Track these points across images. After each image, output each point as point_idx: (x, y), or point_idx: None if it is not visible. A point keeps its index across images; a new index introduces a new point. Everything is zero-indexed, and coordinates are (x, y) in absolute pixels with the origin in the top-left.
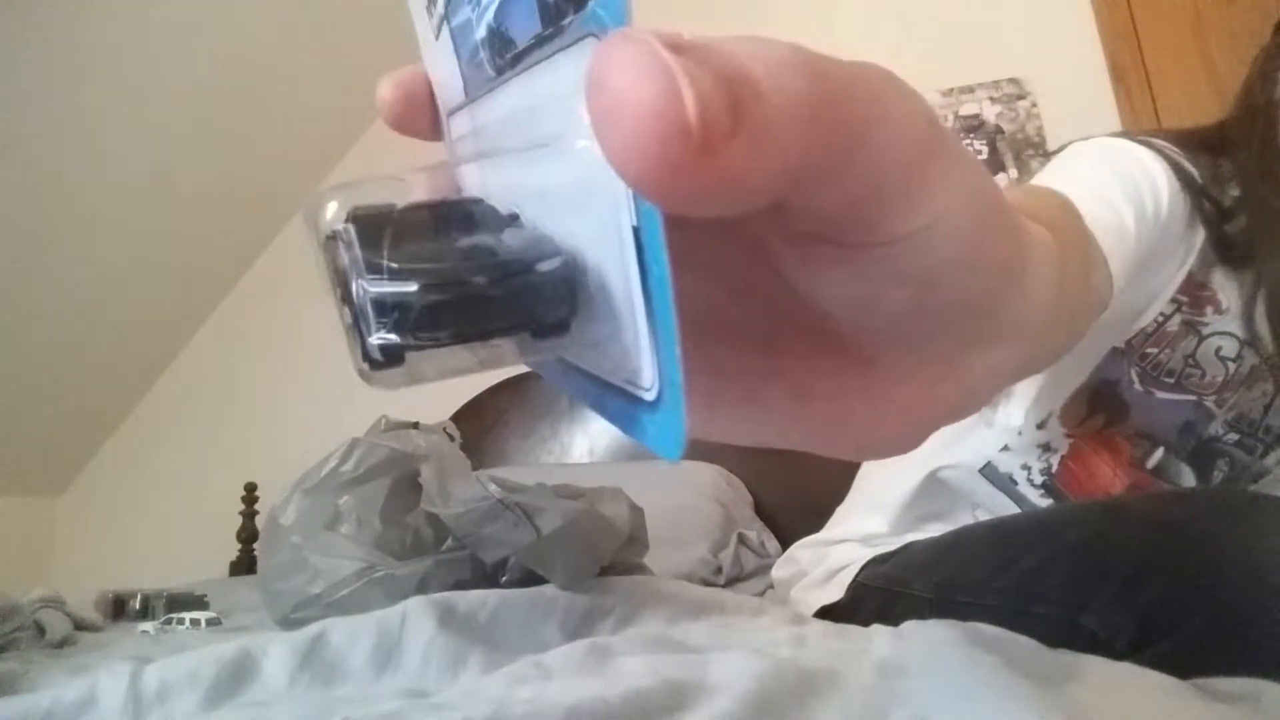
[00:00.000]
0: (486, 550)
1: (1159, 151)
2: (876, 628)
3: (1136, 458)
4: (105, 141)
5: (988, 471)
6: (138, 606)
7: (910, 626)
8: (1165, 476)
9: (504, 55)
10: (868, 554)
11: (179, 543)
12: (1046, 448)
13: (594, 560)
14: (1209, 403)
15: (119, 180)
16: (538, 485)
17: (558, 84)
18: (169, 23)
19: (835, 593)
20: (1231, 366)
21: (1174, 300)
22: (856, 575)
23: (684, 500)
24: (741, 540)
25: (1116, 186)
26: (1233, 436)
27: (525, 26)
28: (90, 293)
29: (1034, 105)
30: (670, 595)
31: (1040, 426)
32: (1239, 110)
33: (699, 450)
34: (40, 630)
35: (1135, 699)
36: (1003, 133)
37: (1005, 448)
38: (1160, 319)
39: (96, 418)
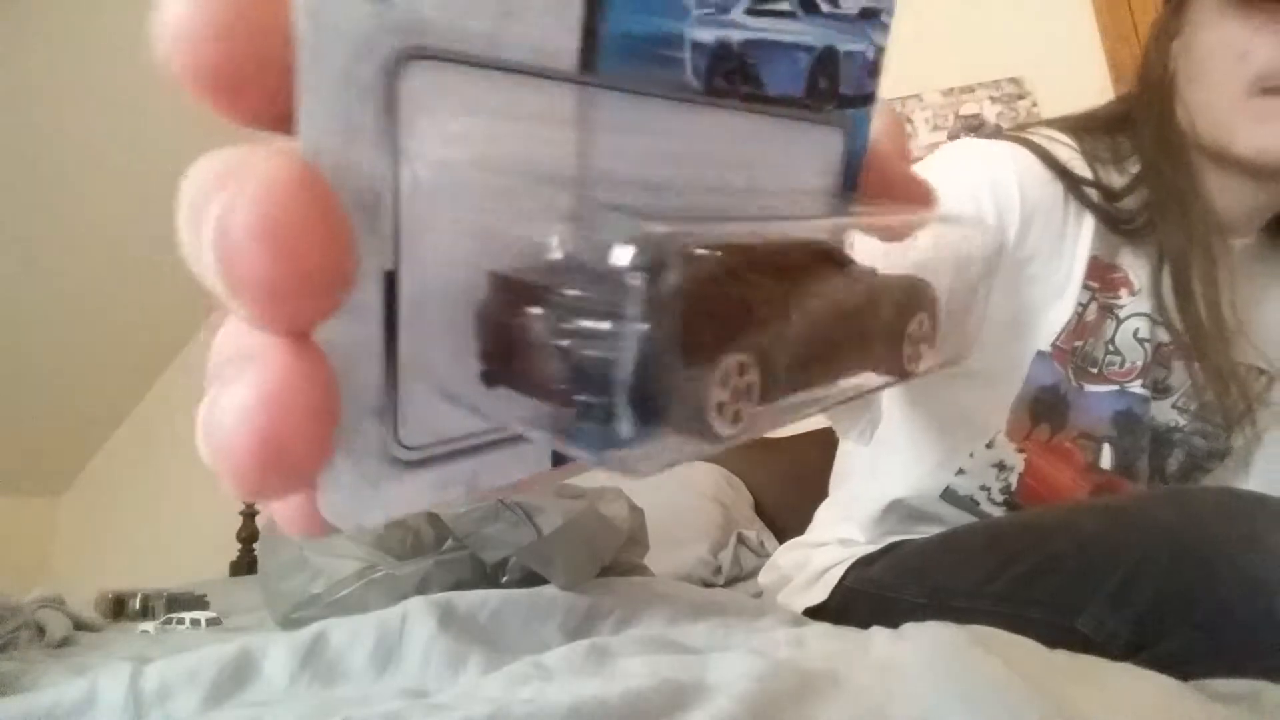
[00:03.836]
0: (487, 550)
1: (1028, 144)
2: (876, 629)
3: (1090, 461)
4: (107, 141)
5: (948, 496)
6: (138, 606)
7: (909, 628)
8: (1128, 475)
9: (729, 81)
10: (851, 554)
11: (179, 543)
12: (1001, 466)
13: (594, 560)
14: (1135, 388)
15: (120, 179)
16: None
17: (802, 148)
18: None
19: (821, 594)
20: (1149, 348)
21: (1086, 287)
22: (844, 578)
23: (684, 500)
24: (741, 540)
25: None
26: (1194, 425)
27: (783, 82)
28: (90, 292)
29: (1034, 105)
30: (670, 596)
31: (989, 446)
32: (1138, 86)
33: None
34: (40, 630)
35: (1135, 699)
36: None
37: (960, 471)
38: (1079, 309)
39: (96, 418)
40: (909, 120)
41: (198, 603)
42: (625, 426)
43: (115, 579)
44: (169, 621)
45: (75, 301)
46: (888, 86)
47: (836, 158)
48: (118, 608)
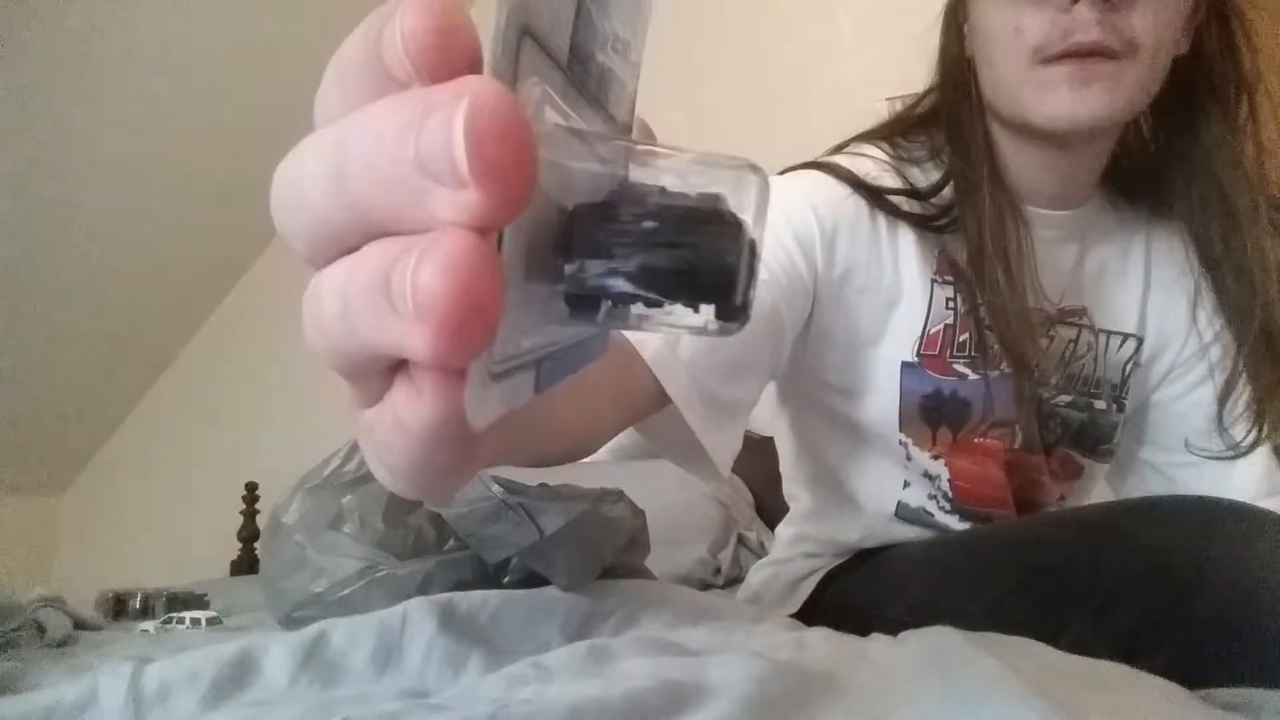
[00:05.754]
0: (489, 550)
1: (819, 167)
2: (875, 634)
3: (1006, 447)
4: (107, 142)
5: (902, 513)
6: (138, 606)
7: (908, 633)
8: (1031, 450)
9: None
10: (819, 565)
11: (180, 542)
12: (927, 475)
13: (596, 561)
14: (1007, 368)
15: (120, 181)
16: (540, 485)
17: None
18: (170, 24)
19: (794, 605)
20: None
21: (945, 283)
22: (823, 590)
23: (684, 500)
24: (741, 541)
25: None
26: (1065, 398)
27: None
28: (91, 293)
29: None
30: (671, 600)
31: (909, 459)
32: (939, 74)
33: None
34: (40, 629)
35: (1135, 702)
36: None
37: (906, 484)
38: (950, 305)
39: (97, 418)
40: None
41: (198, 602)
42: (740, 298)
43: (116, 578)
44: (169, 621)
45: (76, 301)
46: (895, 84)
47: None
48: (118, 607)
